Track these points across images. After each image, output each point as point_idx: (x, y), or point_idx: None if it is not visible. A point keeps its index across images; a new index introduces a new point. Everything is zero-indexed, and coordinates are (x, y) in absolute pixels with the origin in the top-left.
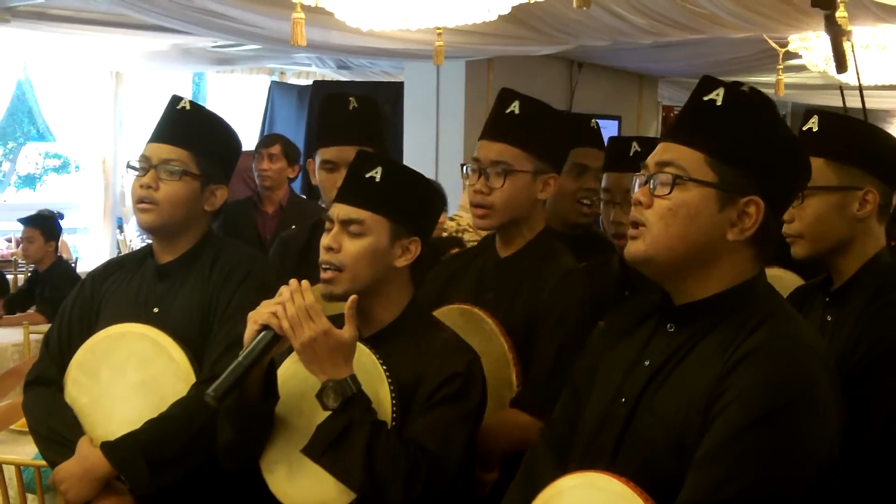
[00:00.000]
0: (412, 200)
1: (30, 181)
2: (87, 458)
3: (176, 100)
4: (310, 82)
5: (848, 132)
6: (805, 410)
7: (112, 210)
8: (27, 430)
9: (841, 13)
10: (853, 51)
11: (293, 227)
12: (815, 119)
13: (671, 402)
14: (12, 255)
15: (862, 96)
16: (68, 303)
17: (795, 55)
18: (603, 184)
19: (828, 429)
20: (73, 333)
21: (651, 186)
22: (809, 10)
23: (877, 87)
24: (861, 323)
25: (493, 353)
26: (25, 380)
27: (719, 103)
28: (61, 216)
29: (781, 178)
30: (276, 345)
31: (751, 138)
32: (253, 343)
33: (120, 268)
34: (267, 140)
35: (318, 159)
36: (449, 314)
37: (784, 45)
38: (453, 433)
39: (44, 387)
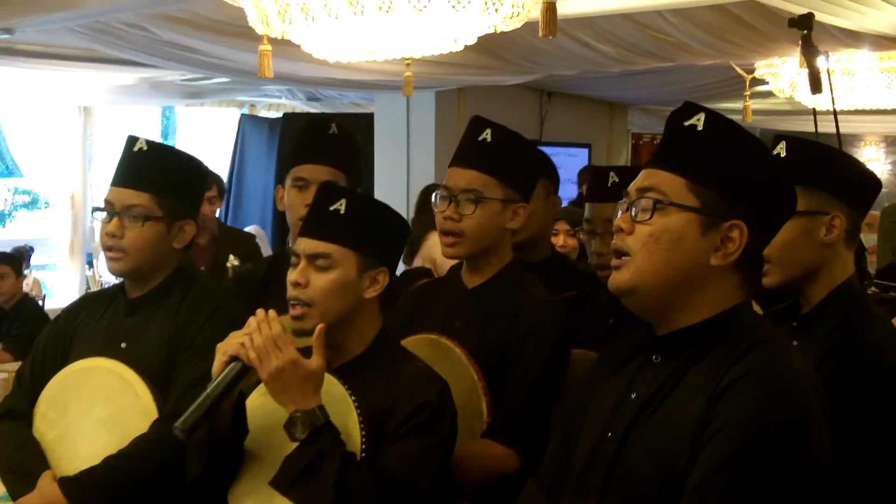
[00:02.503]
0: (378, 231)
1: None
2: (46, 494)
3: (132, 141)
4: (280, 115)
5: (815, 157)
6: (796, 437)
7: (81, 246)
8: None
9: None
10: (829, 74)
11: (230, 255)
12: (782, 144)
13: (660, 435)
14: None
15: (836, 120)
16: (42, 337)
17: (762, 81)
18: (585, 215)
19: (821, 455)
20: (45, 367)
21: (633, 213)
22: (775, 36)
23: (843, 112)
24: (826, 347)
25: (462, 382)
26: None
27: (700, 128)
28: (32, 250)
29: (764, 202)
30: (245, 376)
31: (732, 163)
32: (222, 375)
33: (93, 303)
34: None
35: (289, 178)
36: (416, 344)
37: (751, 71)
38: (424, 463)
39: (14, 420)
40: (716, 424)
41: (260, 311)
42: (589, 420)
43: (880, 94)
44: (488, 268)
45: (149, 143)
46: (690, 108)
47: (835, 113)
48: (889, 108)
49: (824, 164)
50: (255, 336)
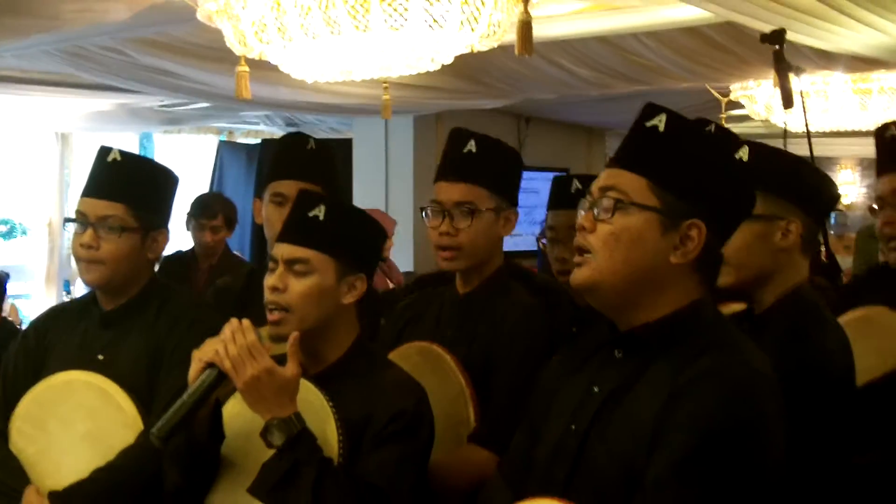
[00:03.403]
0: (356, 237)
1: None
2: None
3: (105, 151)
4: (258, 141)
5: (775, 163)
6: (751, 436)
7: (58, 273)
8: None
9: None
10: (802, 96)
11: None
12: (745, 149)
13: (621, 431)
14: None
15: (810, 142)
16: (12, 352)
17: (738, 105)
18: (547, 222)
19: (775, 454)
20: (18, 382)
21: (595, 212)
22: (749, 58)
23: (818, 134)
24: (776, 351)
25: (451, 390)
26: None
27: (662, 129)
28: (8, 276)
29: (724, 203)
30: (221, 383)
31: (692, 164)
32: (198, 382)
33: (63, 315)
34: (209, 210)
35: (268, 193)
36: (407, 352)
37: (726, 94)
38: (402, 470)
39: None
40: (673, 423)
41: (234, 320)
42: (553, 414)
43: (855, 115)
44: (478, 275)
45: (122, 153)
46: (652, 109)
47: (808, 135)
48: (864, 129)
49: (784, 170)
50: (230, 345)
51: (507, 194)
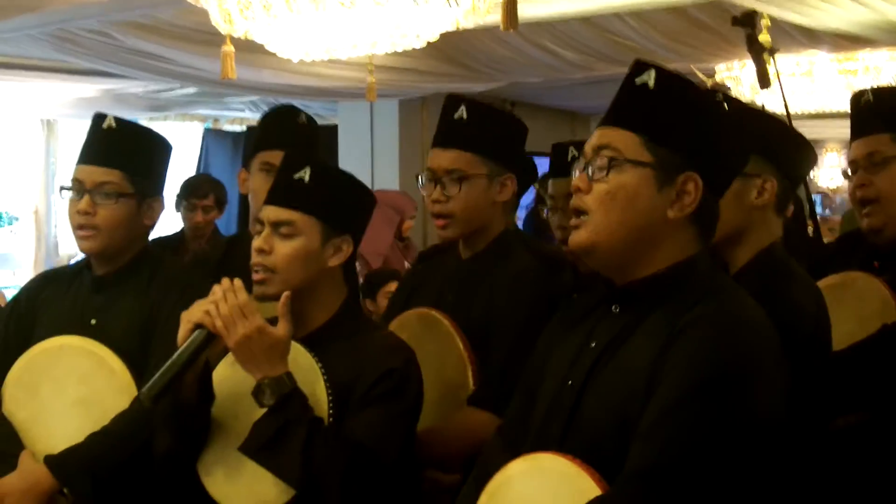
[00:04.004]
0: (342, 199)
1: None
2: (31, 473)
3: (100, 118)
4: (244, 129)
5: (751, 121)
6: (746, 379)
7: (45, 261)
8: None
9: (764, 36)
10: (779, 77)
11: None
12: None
13: (615, 382)
14: None
15: (790, 121)
16: (3, 317)
17: (724, 86)
18: (548, 191)
19: (771, 398)
20: (9, 348)
21: (589, 172)
22: (735, 39)
23: (803, 116)
24: None
25: (450, 354)
26: None
27: (651, 86)
28: None
29: (717, 157)
30: (210, 344)
31: (684, 118)
32: (186, 343)
33: (55, 280)
34: (200, 189)
35: (256, 163)
36: (407, 318)
37: (711, 76)
38: (391, 430)
39: None
40: (665, 370)
41: (225, 280)
42: (551, 371)
43: (840, 96)
44: (481, 241)
45: (117, 120)
46: (641, 66)
47: (788, 116)
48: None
49: (761, 128)
50: (221, 305)
51: (503, 159)
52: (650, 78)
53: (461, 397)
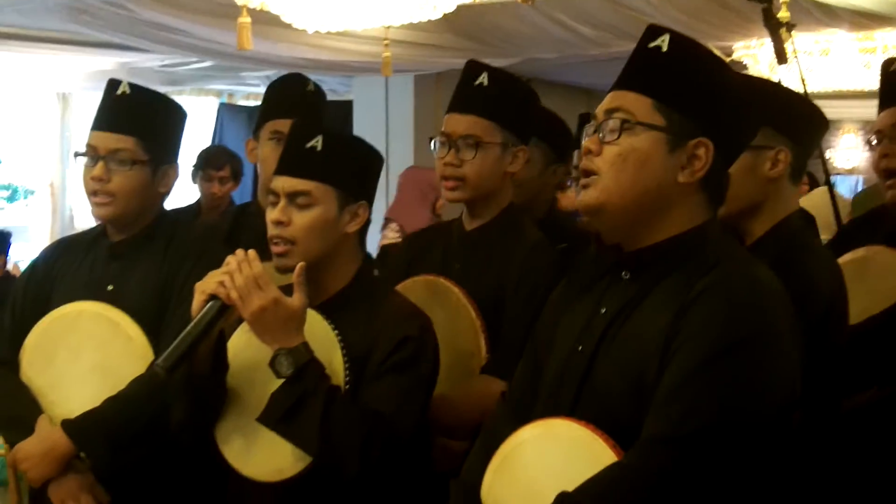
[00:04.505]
0: (356, 165)
1: None
2: (47, 438)
3: (114, 84)
4: (259, 104)
5: (760, 92)
6: (763, 346)
7: (61, 234)
8: None
9: (783, 13)
10: (796, 56)
11: None
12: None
13: (628, 348)
14: None
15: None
16: (20, 284)
17: (741, 64)
18: (573, 162)
19: (787, 365)
20: (26, 314)
21: (600, 134)
22: (753, 16)
23: (820, 96)
24: None
25: (461, 322)
26: None
27: (665, 49)
28: (10, 234)
29: (729, 123)
30: (224, 315)
31: (698, 83)
32: (201, 314)
33: (71, 247)
34: (216, 160)
35: (265, 132)
36: (414, 285)
37: (729, 54)
38: (408, 398)
39: (0, 368)
40: (683, 336)
41: (239, 251)
42: (560, 337)
43: (858, 75)
44: (487, 211)
45: (131, 86)
46: (655, 30)
47: (806, 94)
48: (867, 90)
49: (770, 98)
50: (236, 276)
51: (518, 131)
52: (664, 42)
53: (472, 365)
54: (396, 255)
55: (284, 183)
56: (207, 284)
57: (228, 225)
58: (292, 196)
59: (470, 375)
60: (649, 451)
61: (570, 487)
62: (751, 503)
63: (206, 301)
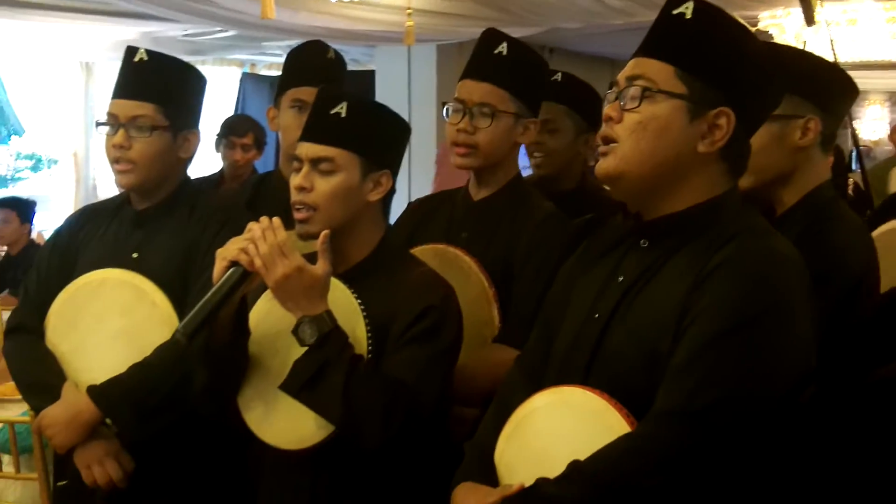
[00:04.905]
0: (380, 133)
1: (2, 182)
2: (73, 404)
3: (132, 51)
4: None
5: (788, 61)
6: (779, 319)
7: (83, 203)
8: (1, 398)
9: None
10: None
11: None
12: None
13: (644, 317)
14: None
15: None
16: (45, 250)
17: (767, 35)
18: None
19: (801, 340)
20: (51, 280)
21: (621, 101)
22: None
23: (846, 66)
24: None
25: (472, 290)
26: (6, 327)
27: (688, 17)
28: (35, 203)
29: (752, 93)
30: (245, 282)
31: (720, 51)
32: (222, 280)
33: (96, 215)
34: (239, 128)
35: (286, 100)
36: (423, 254)
37: (755, 24)
38: (430, 368)
39: (25, 334)
40: (699, 307)
41: (264, 219)
42: (574, 304)
43: (885, 46)
44: (494, 181)
45: (149, 52)
46: None
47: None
48: (894, 61)
49: (797, 66)
50: (260, 244)
51: (531, 103)
52: (687, 9)
53: (485, 334)
54: (399, 223)
55: (308, 149)
56: (228, 251)
57: (249, 194)
58: (315, 162)
59: (482, 344)
60: (662, 424)
61: (582, 456)
62: (764, 477)
63: (227, 267)
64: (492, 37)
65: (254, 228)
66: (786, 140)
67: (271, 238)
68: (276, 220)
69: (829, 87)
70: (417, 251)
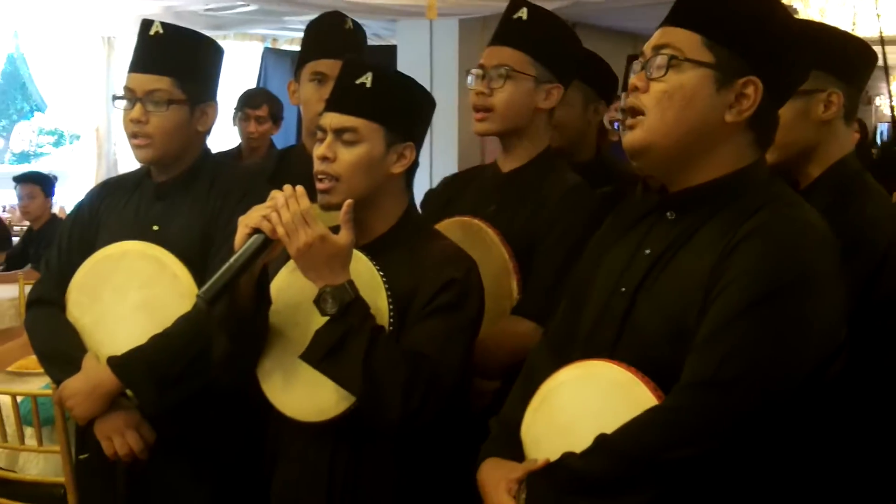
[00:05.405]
0: (405, 105)
1: (24, 157)
2: (94, 375)
3: (147, 24)
4: None
5: (808, 33)
6: (807, 290)
7: (105, 178)
8: (22, 371)
9: None
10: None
11: None
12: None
13: (671, 289)
14: (9, 221)
15: (883, 49)
16: (67, 224)
17: (791, 8)
18: (620, 104)
19: (832, 310)
20: (72, 253)
21: (648, 71)
22: None
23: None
24: None
25: (494, 262)
26: (27, 300)
27: None
28: (56, 178)
29: (780, 62)
30: (266, 249)
31: (748, 20)
32: (244, 247)
33: (117, 188)
34: (254, 100)
35: (306, 73)
36: (448, 227)
37: None
38: (452, 341)
39: (46, 306)
40: (727, 278)
41: (287, 187)
42: (601, 277)
43: None
44: (523, 152)
45: (164, 25)
46: None
47: (882, 40)
48: None
49: (816, 39)
50: (283, 212)
51: (555, 68)
52: None
53: (504, 306)
54: (434, 197)
55: (332, 119)
56: (251, 218)
57: (272, 167)
58: (339, 132)
59: (501, 316)
60: (690, 395)
61: (609, 430)
62: (791, 451)
63: (250, 234)
64: (514, 4)
65: (277, 196)
66: (809, 115)
67: (294, 206)
68: (299, 188)
69: (850, 59)
70: (444, 224)
